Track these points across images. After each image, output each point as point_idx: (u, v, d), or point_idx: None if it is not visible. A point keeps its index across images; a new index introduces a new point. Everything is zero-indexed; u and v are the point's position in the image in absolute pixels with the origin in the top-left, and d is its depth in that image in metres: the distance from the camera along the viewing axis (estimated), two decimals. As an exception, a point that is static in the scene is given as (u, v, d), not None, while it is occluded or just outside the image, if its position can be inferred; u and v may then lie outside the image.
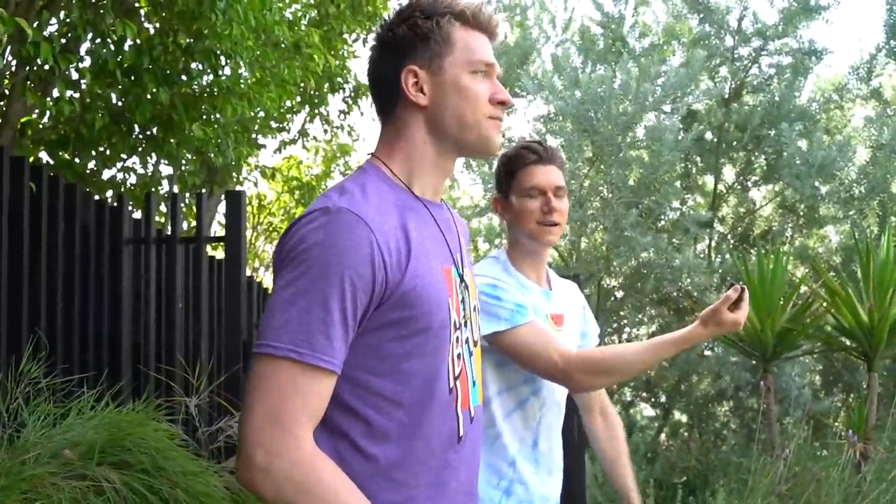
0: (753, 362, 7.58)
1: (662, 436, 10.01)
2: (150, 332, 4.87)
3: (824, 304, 6.13)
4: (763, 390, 6.35)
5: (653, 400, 10.19)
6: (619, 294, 9.90)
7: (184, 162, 6.06)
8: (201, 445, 3.56)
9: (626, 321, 10.02)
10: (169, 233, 4.99)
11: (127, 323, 4.76)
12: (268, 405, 1.20)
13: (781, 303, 6.18)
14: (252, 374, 1.24)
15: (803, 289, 6.84)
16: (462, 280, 1.50)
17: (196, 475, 2.96)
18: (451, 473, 1.40)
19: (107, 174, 6.14)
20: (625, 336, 10.12)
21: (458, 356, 1.45)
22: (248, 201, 10.80)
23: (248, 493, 3.59)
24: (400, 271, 1.32)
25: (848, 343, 6.19)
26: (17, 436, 2.89)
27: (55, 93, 4.58)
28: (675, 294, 9.32)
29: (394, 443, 1.32)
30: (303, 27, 6.72)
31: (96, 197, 5.08)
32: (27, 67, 4.21)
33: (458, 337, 1.45)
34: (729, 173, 10.19)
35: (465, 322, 1.48)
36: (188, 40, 4.88)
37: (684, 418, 10.26)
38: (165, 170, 6.81)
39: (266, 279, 10.65)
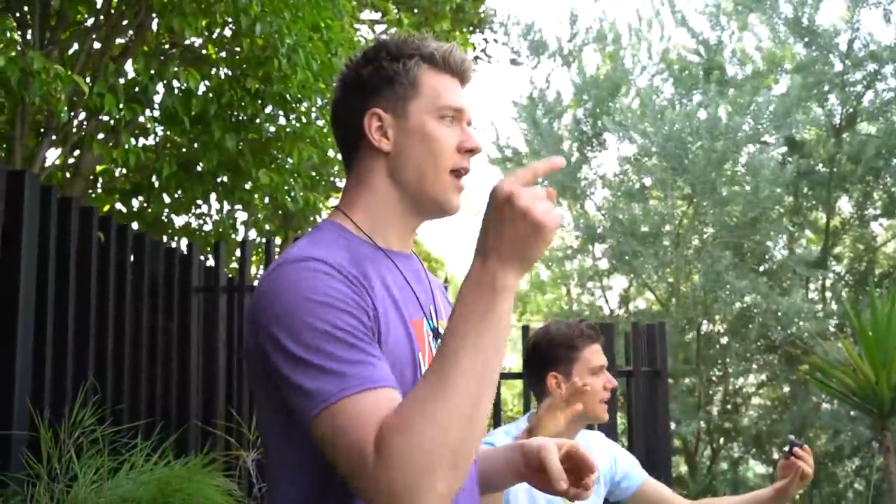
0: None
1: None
2: (217, 384, 4.99)
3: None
4: (881, 450, 6.05)
5: (764, 456, 9.82)
6: (723, 341, 9.64)
7: (260, 207, 6.25)
8: (259, 502, 3.62)
9: (731, 369, 9.72)
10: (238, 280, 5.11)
11: (195, 374, 4.87)
12: (349, 450, 1.16)
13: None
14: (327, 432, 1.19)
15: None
16: (437, 334, 1.43)
17: (245, 534, 3.01)
18: None
19: (181, 221, 6.39)
20: (730, 387, 9.82)
21: None
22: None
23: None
24: (373, 320, 1.29)
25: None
26: (68, 490, 2.98)
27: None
28: (784, 341, 9.00)
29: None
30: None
31: (169, 245, 5.29)
32: (94, 119, 4.45)
33: None
34: (845, 207, 9.85)
35: None
36: (258, 86, 5.05)
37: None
38: (241, 216, 7.03)
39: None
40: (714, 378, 9.79)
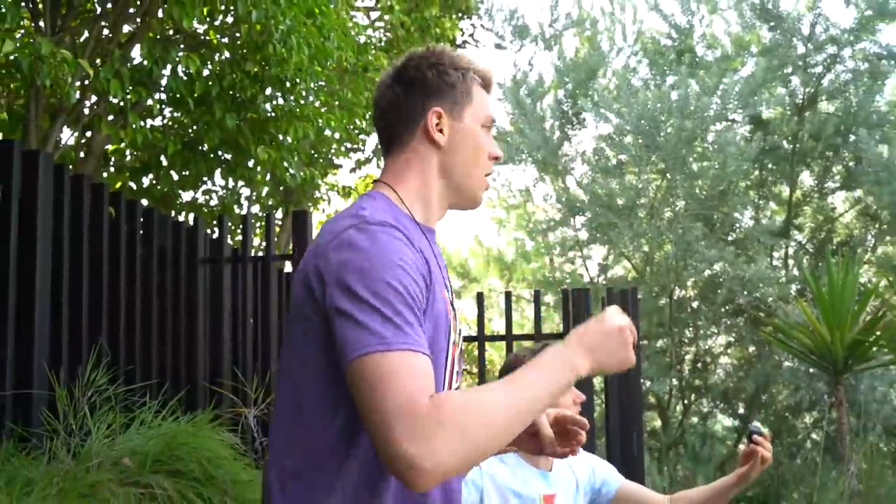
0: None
1: (741, 446, 9.73)
2: (223, 347, 5.02)
3: (897, 314, 5.88)
4: (835, 403, 6.13)
5: (730, 411, 9.92)
6: (694, 305, 9.69)
7: (261, 183, 6.25)
8: (259, 455, 3.67)
9: (700, 331, 9.79)
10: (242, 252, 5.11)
11: (201, 338, 4.90)
12: (396, 394, 1.22)
13: (852, 313, 5.96)
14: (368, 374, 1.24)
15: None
16: (452, 305, 1.52)
17: (246, 483, 3.05)
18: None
19: (188, 196, 6.39)
20: (700, 348, 9.89)
21: (457, 373, 1.52)
22: (327, 218, 11.05)
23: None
24: (428, 290, 1.38)
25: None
26: (83, 444, 3.02)
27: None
28: (749, 305, 9.06)
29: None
30: (372, 52, 6.83)
31: (176, 219, 5.28)
32: (102, 101, 4.44)
33: (457, 354, 1.51)
34: (807, 180, 9.88)
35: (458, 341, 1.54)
36: (256, 69, 5.03)
37: (766, 429, 9.95)
38: (245, 191, 7.04)
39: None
40: (685, 340, 9.86)
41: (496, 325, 11.97)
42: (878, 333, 5.86)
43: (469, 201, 1.57)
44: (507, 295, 5.59)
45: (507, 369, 2.54)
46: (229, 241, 5.34)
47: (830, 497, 4.67)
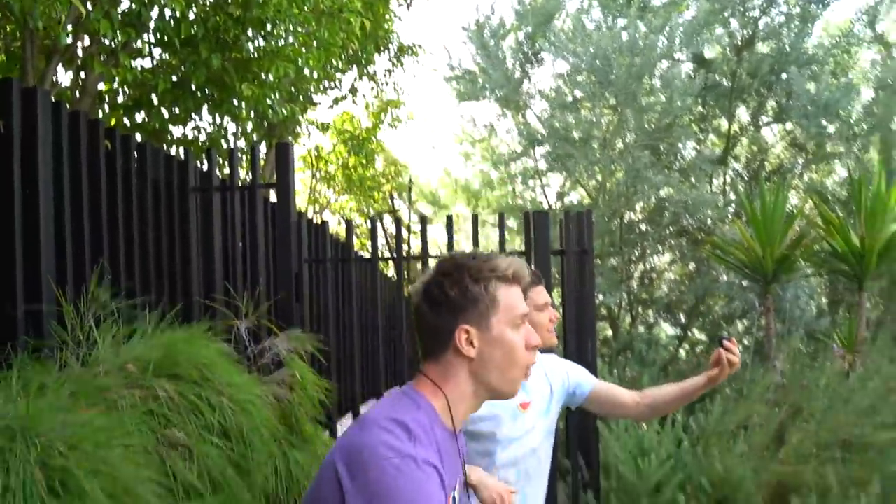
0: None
1: (682, 352, 9.99)
2: (215, 265, 5.02)
3: (821, 231, 6.02)
4: (764, 311, 6.29)
5: (673, 320, 10.16)
6: (642, 227, 9.82)
7: (246, 118, 6.16)
8: (251, 362, 3.73)
9: (648, 250, 9.95)
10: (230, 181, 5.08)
11: (195, 258, 4.90)
12: None
13: (781, 232, 6.08)
14: None
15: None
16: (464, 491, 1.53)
17: (239, 386, 3.10)
18: None
19: (178, 132, 6.29)
20: (647, 265, 10.06)
21: None
22: (307, 152, 10.94)
23: (291, 401, 3.76)
24: None
25: (843, 267, 6.07)
26: (90, 353, 3.05)
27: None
28: (691, 226, 9.20)
29: None
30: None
31: (168, 152, 5.20)
32: (94, 42, 4.33)
33: None
34: (743, 115, 9.93)
35: None
36: (239, 11, 4.92)
37: (703, 336, 10.22)
38: (231, 127, 6.94)
39: (324, 217, 10.82)
40: (634, 258, 10.02)
41: (464, 246, 12.06)
42: (802, 249, 6.00)
43: (504, 394, 1.50)
44: (475, 218, 5.61)
45: None
46: (218, 172, 5.29)
47: (758, 391, 4.85)
